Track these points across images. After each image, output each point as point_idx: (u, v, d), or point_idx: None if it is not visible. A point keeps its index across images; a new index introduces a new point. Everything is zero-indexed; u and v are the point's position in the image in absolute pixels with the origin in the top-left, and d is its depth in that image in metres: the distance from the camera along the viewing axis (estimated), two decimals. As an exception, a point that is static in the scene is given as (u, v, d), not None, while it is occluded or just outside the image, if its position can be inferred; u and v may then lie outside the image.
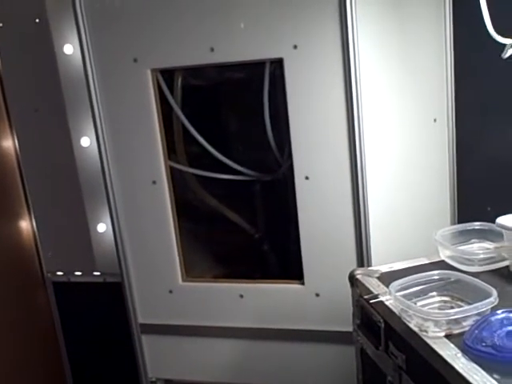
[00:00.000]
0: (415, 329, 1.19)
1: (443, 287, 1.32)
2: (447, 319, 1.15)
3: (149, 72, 1.88)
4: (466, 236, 1.58)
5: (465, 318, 1.16)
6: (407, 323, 1.22)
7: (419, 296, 1.31)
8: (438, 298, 1.31)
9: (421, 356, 1.17)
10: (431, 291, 1.32)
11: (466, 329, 1.15)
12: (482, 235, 1.57)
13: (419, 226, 1.86)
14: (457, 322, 1.16)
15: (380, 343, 1.36)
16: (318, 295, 1.89)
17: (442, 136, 1.94)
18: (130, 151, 1.95)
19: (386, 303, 1.32)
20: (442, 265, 1.49)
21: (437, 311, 1.22)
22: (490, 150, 1.96)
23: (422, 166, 1.89)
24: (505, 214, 1.43)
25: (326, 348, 1.94)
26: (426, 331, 1.17)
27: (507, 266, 1.43)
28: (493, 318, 1.16)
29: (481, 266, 1.43)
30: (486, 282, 1.26)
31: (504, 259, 1.44)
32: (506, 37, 1.51)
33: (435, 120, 1.91)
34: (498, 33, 1.52)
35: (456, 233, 1.58)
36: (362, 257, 1.78)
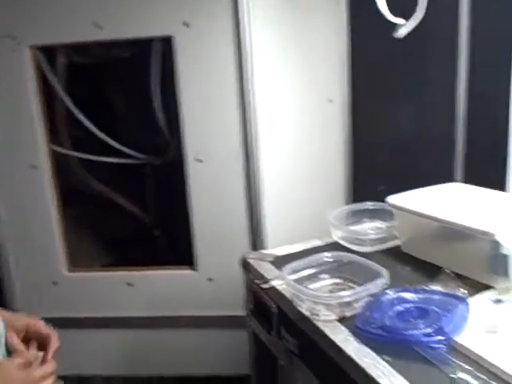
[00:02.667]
0: (307, 313, 1.15)
1: (336, 269, 1.29)
2: (339, 302, 1.12)
3: (27, 49, 1.75)
4: (358, 216, 1.56)
5: (356, 300, 1.12)
6: (299, 308, 1.18)
7: (311, 279, 1.27)
8: (330, 281, 1.28)
9: (312, 340, 1.14)
10: (323, 274, 1.29)
11: (359, 311, 1.12)
12: (374, 215, 1.56)
13: (315, 208, 1.83)
14: (349, 304, 1.12)
15: (272, 328, 1.32)
16: (210, 280, 1.84)
17: (338, 117, 1.92)
18: (7, 134, 1.81)
19: (278, 288, 1.27)
20: (334, 246, 1.46)
21: (327, 294, 1.19)
22: (385, 130, 1.97)
23: (318, 147, 1.87)
24: (397, 193, 1.42)
25: (220, 333, 1.89)
26: (317, 315, 1.13)
27: (399, 246, 1.42)
28: (383, 299, 1.14)
29: (372, 246, 1.41)
30: (378, 263, 1.24)
31: (395, 238, 1.43)
32: (398, 16, 1.49)
33: (331, 101, 1.88)
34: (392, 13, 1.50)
35: (349, 213, 1.55)
36: (256, 241, 1.74)
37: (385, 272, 1.17)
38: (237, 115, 1.69)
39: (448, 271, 1.23)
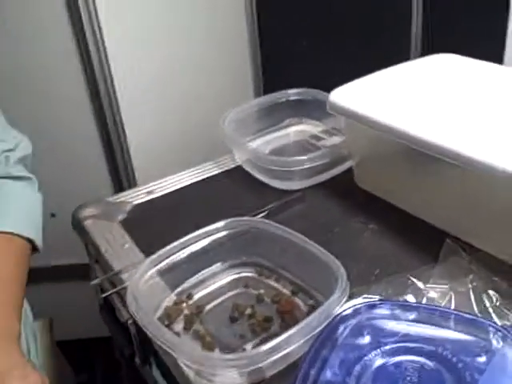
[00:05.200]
0: (189, 374, 0.55)
1: (240, 248, 0.67)
2: (251, 361, 0.51)
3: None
4: (275, 115, 0.91)
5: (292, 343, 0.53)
6: (174, 357, 0.57)
7: (193, 275, 0.65)
8: (230, 277, 0.66)
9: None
10: (216, 261, 0.66)
11: (293, 359, 0.53)
12: (302, 110, 0.92)
13: (205, 110, 1.18)
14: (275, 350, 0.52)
15: (135, 354, 0.72)
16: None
17: None
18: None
19: (135, 293, 0.64)
20: (237, 176, 0.85)
21: (231, 356, 0.53)
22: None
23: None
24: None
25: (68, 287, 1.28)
26: (209, 380, 0.54)
27: (349, 170, 0.80)
28: (341, 328, 0.55)
29: (307, 178, 0.79)
30: (313, 217, 0.65)
31: (343, 160, 0.81)
32: None
33: None
34: None
35: (260, 111, 0.90)
36: (119, 174, 1.09)
37: (341, 270, 0.57)
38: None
39: (452, 242, 0.65)
